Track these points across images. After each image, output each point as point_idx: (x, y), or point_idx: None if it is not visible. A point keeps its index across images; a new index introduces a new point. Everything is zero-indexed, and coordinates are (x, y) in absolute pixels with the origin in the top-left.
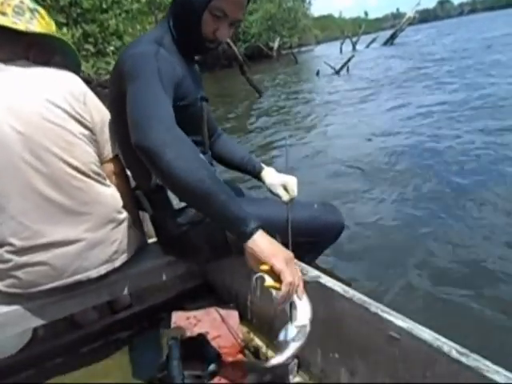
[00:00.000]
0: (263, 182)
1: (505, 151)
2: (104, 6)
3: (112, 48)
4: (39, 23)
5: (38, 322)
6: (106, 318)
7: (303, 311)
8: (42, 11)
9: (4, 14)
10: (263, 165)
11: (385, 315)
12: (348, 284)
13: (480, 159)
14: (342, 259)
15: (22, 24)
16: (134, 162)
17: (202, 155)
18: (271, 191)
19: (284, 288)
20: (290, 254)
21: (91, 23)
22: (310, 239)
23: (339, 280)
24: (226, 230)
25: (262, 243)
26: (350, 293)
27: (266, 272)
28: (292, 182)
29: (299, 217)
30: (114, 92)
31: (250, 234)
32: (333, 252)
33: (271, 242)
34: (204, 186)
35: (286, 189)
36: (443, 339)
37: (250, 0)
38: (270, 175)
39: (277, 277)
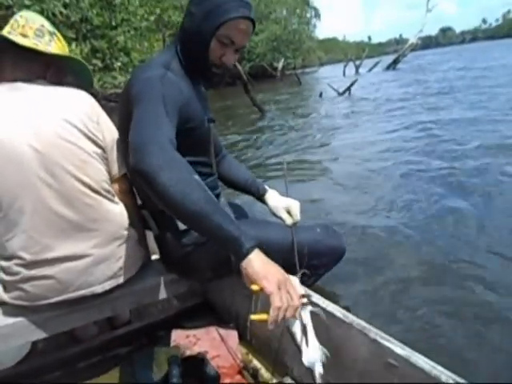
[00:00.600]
0: (266, 205)
1: (499, 170)
2: (113, 23)
3: (119, 64)
4: (56, 45)
5: (41, 334)
6: (106, 333)
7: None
8: (59, 34)
9: (25, 36)
10: (267, 187)
11: (384, 342)
12: (347, 309)
13: (477, 181)
14: (343, 283)
15: (41, 45)
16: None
17: (197, 176)
18: (274, 214)
19: (272, 313)
20: (284, 275)
21: (100, 39)
22: (311, 262)
23: (339, 304)
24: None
25: (256, 264)
26: (350, 318)
27: (257, 292)
28: (295, 206)
29: (301, 240)
30: (123, 113)
31: (246, 254)
32: (333, 275)
33: (266, 263)
34: (198, 208)
35: (289, 212)
36: (440, 368)
37: (256, 26)
38: (273, 198)
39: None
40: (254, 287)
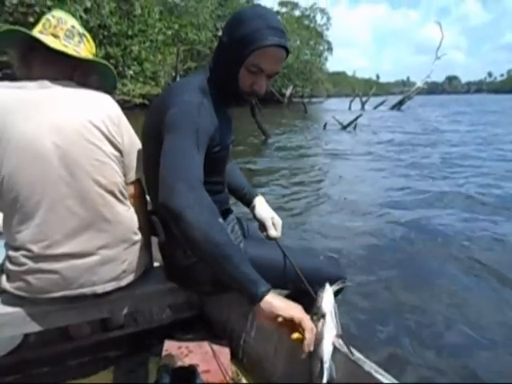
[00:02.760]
0: (251, 208)
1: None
2: (130, 32)
3: (131, 72)
4: (85, 47)
5: (36, 327)
6: (98, 334)
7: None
8: (88, 35)
9: (56, 36)
10: (257, 193)
11: (378, 376)
12: (344, 340)
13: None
14: (341, 313)
15: (70, 47)
16: (155, 189)
17: (221, 220)
18: (258, 219)
19: (308, 335)
20: (298, 306)
21: (115, 46)
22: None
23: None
24: None
25: (275, 301)
26: (345, 349)
27: (298, 340)
28: (279, 222)
29: (303, 264)
30: (153, 128)
31: (262, 297)
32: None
33: (283, 300)
34: (219, 250)
35: (273, 224)
36: None
37: (289, 52)
38: (260, 206)
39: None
40: (295, 336)
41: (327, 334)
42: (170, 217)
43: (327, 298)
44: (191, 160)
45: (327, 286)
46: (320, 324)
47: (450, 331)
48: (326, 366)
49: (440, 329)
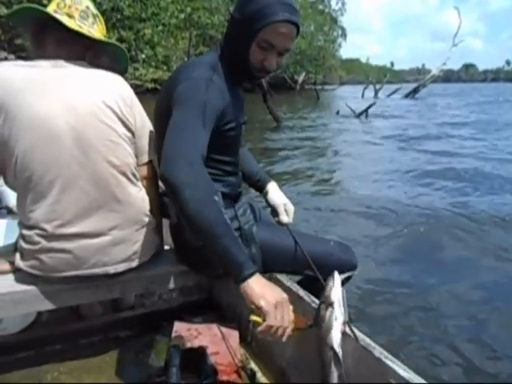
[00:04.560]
0: (264, 194)
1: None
2: (143, 15)
3: (143, 56)
4: (98, 28)
5: (49, 305)
6: (109, 314)
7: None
8: (101, 17)
9: (71, 16)
10: (269, 179)
11: (387, 362)
12: (355, 326)
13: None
14: (351, 299)
15: (85, 28)
16: None
17: (217, 197)
18: (270, 205)
19: (263, 328)
20: (283, 297)
21: (128, 30)
22: (322, 275)
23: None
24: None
25: (254, 286)
26: (356, 333)
27: (257, 323)
28: (291, 208)
29: (314, 250)
30: (163, 105)
31: (244, 279)
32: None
33: (264, 285)
34: (211, 229)
35: (285, 210)
36: None
37: (300, 29)
38: (273, 191)
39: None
40: (253, 318)
41: (335, 322)
42: (168, 189)
43: (335, 287)
44: (194, 135)
45: (335, 274)
46: (328, 312)
47: (464, 320)
48: (338, 352)
49: (453, 316)
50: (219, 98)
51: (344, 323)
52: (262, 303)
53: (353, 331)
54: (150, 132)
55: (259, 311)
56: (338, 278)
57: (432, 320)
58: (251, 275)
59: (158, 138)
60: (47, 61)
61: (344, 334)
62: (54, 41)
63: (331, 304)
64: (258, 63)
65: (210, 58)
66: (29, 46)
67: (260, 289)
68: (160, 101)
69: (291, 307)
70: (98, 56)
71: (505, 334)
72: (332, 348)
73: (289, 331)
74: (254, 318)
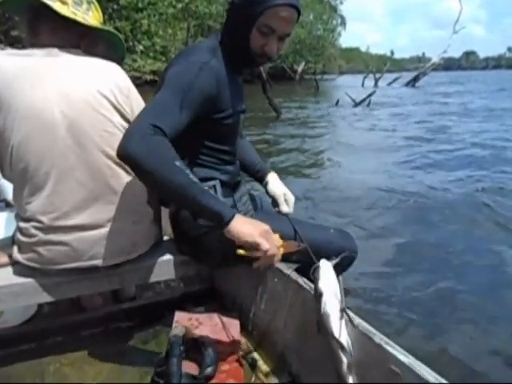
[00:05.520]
0: (264, 184)
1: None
2: (140, 5)
3: (141, 47)
4: (93, 15)
5: (48, 298)
6: (110, 306)
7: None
8: (96, 3)
9: (64, 3)
10: (269, 169)
11: (388, 348)
12: (355, 311)
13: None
14: (353, 286)
15: (79, 14)
16: None
17: (178, 162)
18: (270, 195)
19: (258, 253)
20: (265, 227)
21: (125, 20)
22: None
23: (346, 305)
24: None
25: (238, 225)
26: (357, 321)
27: (245, 255)
28: (292, 198)
29: (314, 238)
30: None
31: (227, 222)
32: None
33: (247, 223)
34: (182, 193)
35: (285, 201)
36: (443, 380)
37: (300, 13)
38: (273, 182)
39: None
40: (240, 251)
41: (331, 310)
42: (129, 166)
43: (323, 276)
44: (163, 111)
45: (322, 261)
46: (322, 303)
47: (467, 305)
48: (340, 340)
49: (453, 301)
50: (211, 82)
51: (341, 310)
52: (248, 238)
53: (350, 318)
54: None
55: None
56: (326, 265)
57: (436, 305)
58: (232, 218)
59: None
60: (41, 49)
61: (348, 314)
62: (48, 29)
63: (321, 294)
64: (258, 48)
65: (210, 42)
66: (25, 36)
67: (244, 226)
68: (157, 88)
69: (277, 235)
70: (94, 44)
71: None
72: (333, 337)
73: (279, 256)
74: (240, 251)
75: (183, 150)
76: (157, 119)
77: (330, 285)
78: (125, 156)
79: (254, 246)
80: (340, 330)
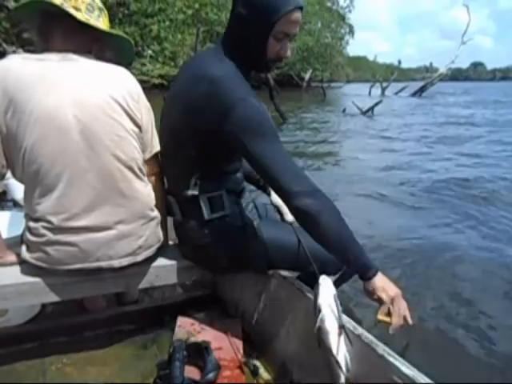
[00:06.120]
0: (268, 192)
1: None
2: (150, 10)
3: (150, 52)
4: (103, 21)
5: (54, 297)
6: (113, 308)
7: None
8: (105, 11)
9: (78, 9)
10: None
11: (391, 359)
12: (358, 322)
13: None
14: (355, 295)
15: (92, 20)
16: (173, 170)
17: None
18: (274, 205)
19: (395, 320)
20: (397, 291)
21: (134, 25)
22: (325, 270)
23: (350, 316)
24: (248, 249)
25: (380, 282)
26: (359, 331)
27: (382, 322)
28: None
29: (318, 248)
30: (175, 112)
31: (374, 275)
32: (346, 287)
33: (387, 280)
34: (345, 242)
35: None
36: None
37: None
38: None
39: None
40: (381, 317)
41: (330, 326)
42: (304, 218)
43: (323, 291)
44: (293, 168)
45: (321, 278)
46: (320, 318)
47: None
48: (339, 358)
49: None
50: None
51: (340, 327)
52: (383, 296)
53: (348, 336)
54: (155, 127)
55: (384, 311)
56: (325, 281)
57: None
58: (376, 272)
59: (171, 148)
60: (56, 54)
61: (346, 331)
62: (62, 34)
63: (320, 310)
64: (273, 54)
65: (228, 63)
66: (36, 40)
67: (386, 283)
68: (170, 106)
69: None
70: (103, 50)
71: None
72: (331, 353)
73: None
74: (381, 317)
75: (194, 166)
76: (301, 182)
77: (329, 301)
78: (307, 211)
79: (388, 303)
80: (338, 347)
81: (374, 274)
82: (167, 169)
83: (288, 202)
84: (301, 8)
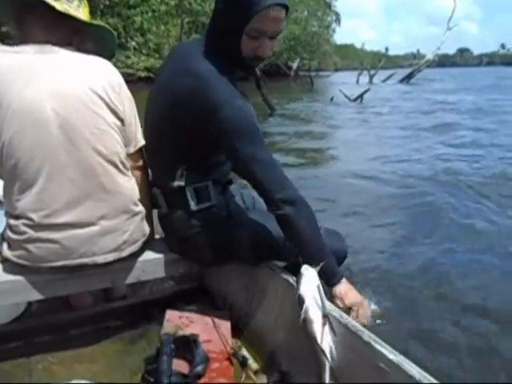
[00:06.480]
0: None
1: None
2: (132, 1)
3: (134, 43)
4: (83, 11)
5: (38, 295)
6: (100, 304)
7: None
8: (85, 1)
9: None
10: None
11: (377, 346)
12: (345, 311)
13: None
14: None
15: (72, 11)
16: (158, 162)
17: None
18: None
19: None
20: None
21: (117, 16)
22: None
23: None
24: (234, 240)
25: (344, 288)
26: (345, 319)
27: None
28: None
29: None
30: (162, 105)
31: (337, 283)
32: None
33: (349, 289)
34: (318, 246)
35: None
36: (431, 378)
37: (288, 10)
38: None
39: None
40: None
41: (313, 316)
42: (284, 224)
43: (305, 282)
44: (277, 172)
45: (303, 268)
46: (304, 309)
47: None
48: (324, 347)
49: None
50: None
51: (324, 316)
52: (343, 302)
53: (331, 325)
54: (138, 120)
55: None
56: (308, 272)
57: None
58: (341, 278)
59: (156, 140)
60: (32, 46)
61: (330, 320)
62: (40, 25)
63: (303, 301)
64: (250, 53)
65: (212, 63)
66: (15, 33)
67: (349, 291)
68: (155, 99)
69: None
70: (84, 41)
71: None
72: (316, 343)
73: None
74: None
75: (179, 158)
76: (284, 188)
77: (312, 291)
78: (291, 218)
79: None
80: (322, 336)
81: (339, 281)
82: (152, 161)
83: (270, 207)
84: (283, 5)
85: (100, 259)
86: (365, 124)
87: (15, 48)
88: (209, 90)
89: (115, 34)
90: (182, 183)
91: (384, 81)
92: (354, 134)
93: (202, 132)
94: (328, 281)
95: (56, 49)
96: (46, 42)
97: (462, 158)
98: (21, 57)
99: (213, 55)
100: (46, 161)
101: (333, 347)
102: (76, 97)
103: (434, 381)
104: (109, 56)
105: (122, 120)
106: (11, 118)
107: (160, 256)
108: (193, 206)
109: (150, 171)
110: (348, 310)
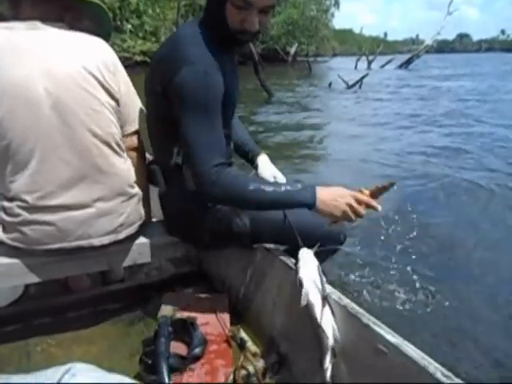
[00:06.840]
0: (255, 166)
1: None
2: None
3: (130, 26)
4: None
5: (34, 278)
6: (98, 287)
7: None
8: None
9: None
10: (260, 150)
11: (375, 328)
12: (344, 293)
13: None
14: (342, 268)
15: None
16: (158, 138)
17: (252, 186)
18: (261, 178)
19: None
20: (347, 193)
21: None
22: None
23: (336, 286)
24: (232, 222)
25: (326, 199)
26: (344, 301)
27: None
28: (283, 180)
29: (303, 221)
30: (159, 80)
31: (314, 202)
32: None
33: (330, 193)
34: (266, 203)
35: None
36: (429, 359)
37: None
38: (264, 163)
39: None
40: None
41: (313, 299)
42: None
43: (304, 265)
44: (213, 142)
45: (301, 251)
46: (304, 291)
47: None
48: (326, 329)
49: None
50: (219, 80)
51: (323, 298)
52: (332, 214)
53: (331, 307)
54: (136, 101)
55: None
56: (306, 254)
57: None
58: (314, 194)
59: (149, 111)
60: (22, 22)
61: (329, 302)
62: (31, 1)
63: (301, 284)
64: (236, 24)
65: (195, 31)
66: (4, 10)
67: (330, 197)
68: (151, 79)
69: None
70: (79, 19)
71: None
72: (318, 324)
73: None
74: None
75: (173, 136)
76: (212, 157)
77: (311, 274)
78: (210, 198)
79: (340, 216)
80: (322, 317)
81: (314, 201)
82: (152, 137)
83: (196, 183)
84: None
85: (96, 242)
86: (361, 109)
87: (4, 24)
88: (179, 46)
89: (110, 14)
90: (179, 161)
91: (382, 66)
92: (351, 121)
93: (166, 97)
94: (307, 207)
95: (45, 25)
96: (34, 18)
97: (459, 144)
98: (10, 34)
99: (203, 29)
100: (38, 141)
101: (336, 329)
102: (69, 76)
103: (433, 361)
104: (106, 35)
105: (117, 100)
106: (1, 98)
107: (157, 239)
108: (190, 184)
109: (151, 149)
110: (344, 212)
